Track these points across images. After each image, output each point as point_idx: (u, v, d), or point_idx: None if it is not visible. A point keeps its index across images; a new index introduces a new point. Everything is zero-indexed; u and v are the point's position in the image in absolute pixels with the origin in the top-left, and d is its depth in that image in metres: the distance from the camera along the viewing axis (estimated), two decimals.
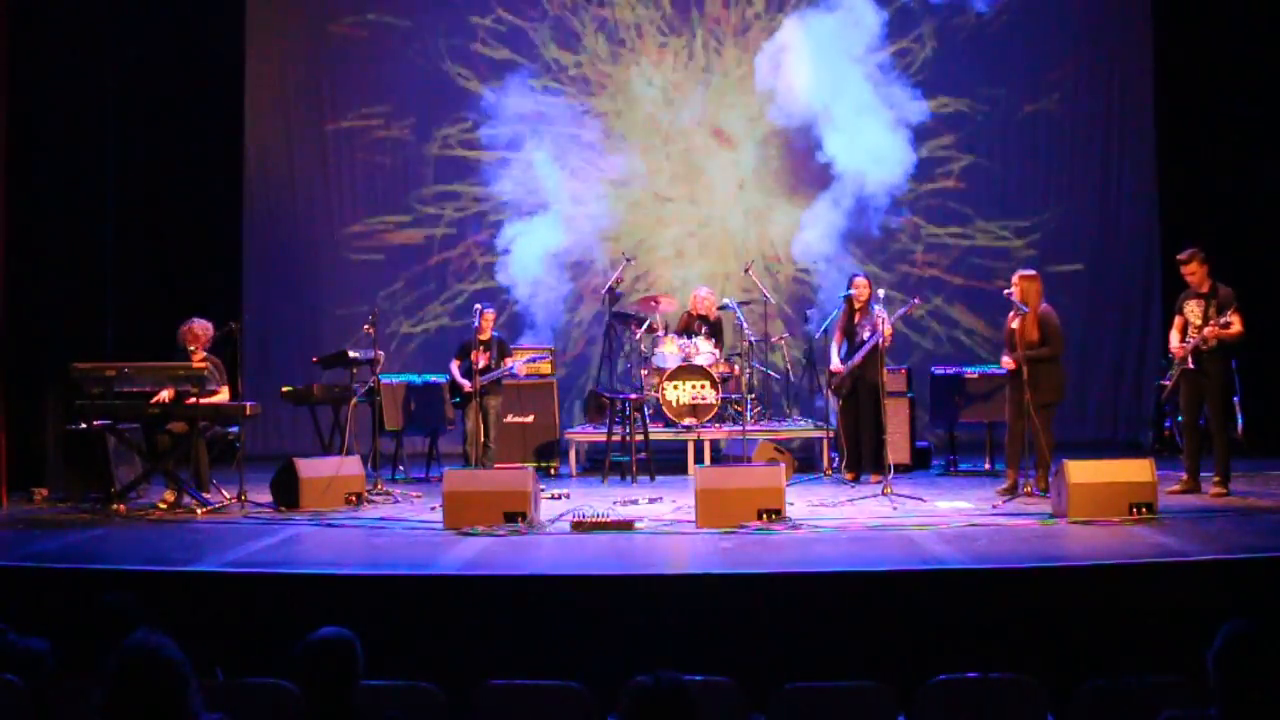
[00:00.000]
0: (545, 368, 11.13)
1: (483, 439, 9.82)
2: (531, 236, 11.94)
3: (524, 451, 10.72)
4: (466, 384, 9.91)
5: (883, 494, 8.53)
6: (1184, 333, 8.44)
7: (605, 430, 10.27)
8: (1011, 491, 8.49)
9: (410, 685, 4.14)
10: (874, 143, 11.09)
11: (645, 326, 11.09)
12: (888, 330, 9.27)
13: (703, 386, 10.58)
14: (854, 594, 5.91)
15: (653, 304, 11.30)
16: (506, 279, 12.16)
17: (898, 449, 9.89)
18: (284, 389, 10.13)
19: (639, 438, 10.21)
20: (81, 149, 10.58)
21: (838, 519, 7.81)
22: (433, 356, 11.98)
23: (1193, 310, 8.38)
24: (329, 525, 7.91)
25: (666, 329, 11.22)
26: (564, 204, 12.25)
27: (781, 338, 11.67)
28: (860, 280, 9.79)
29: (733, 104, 12.91)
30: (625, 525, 7.50)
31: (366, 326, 9.44)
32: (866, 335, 9.47)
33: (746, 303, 11.42)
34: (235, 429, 9.08)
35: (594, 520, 7.54)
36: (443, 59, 12.84)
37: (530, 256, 11.89)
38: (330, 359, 9.96)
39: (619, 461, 10.26)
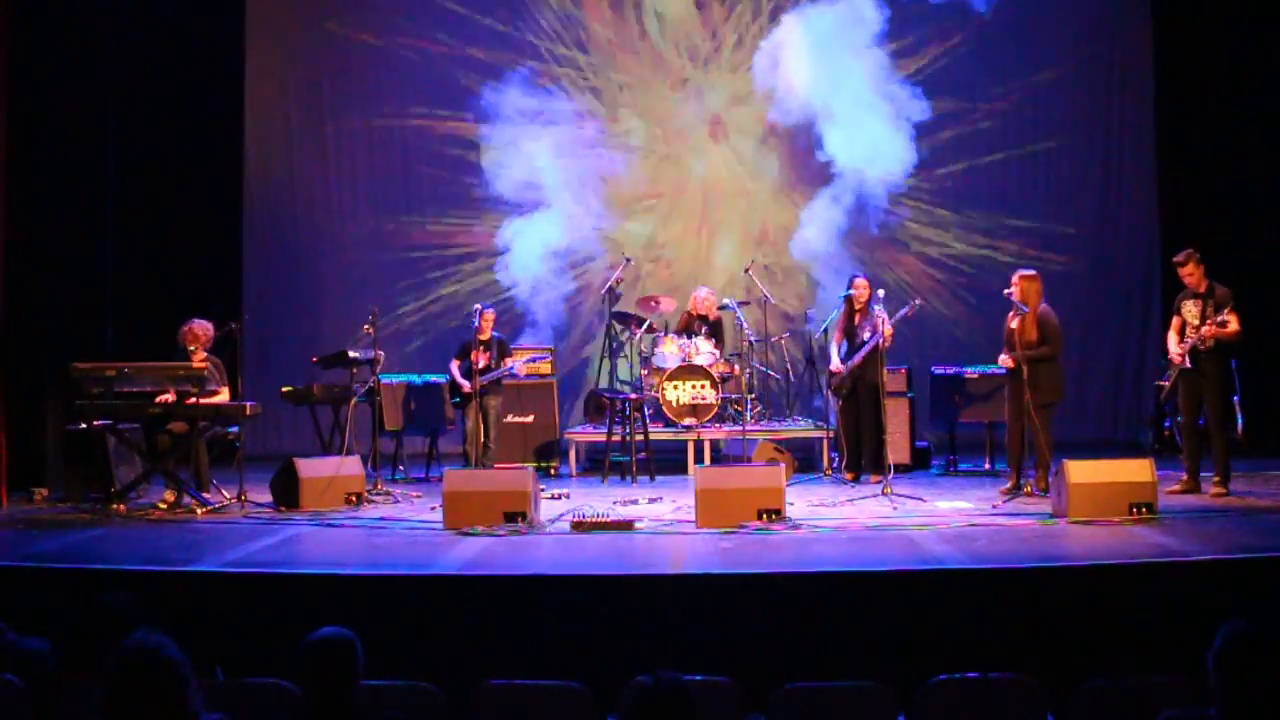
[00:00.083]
0: (545, 368, 11.13)
1: (483, 439, 9.82)
2: (532, 235, 11.94)
3: (524, 451, 10.72)
4: (466, 384, 9.91)
5: (883, 494, 8.53)
6: (1182, 334, 8.45)
7: (605, 430, 10.27)
8: (1014, 491, 8.49)
9: (410, 685, 4.14)
10: (874, 141, 11.09)
11: (645, 326, 11.09)
12: (888, 331, 9.27)
13: (703, 386, 10.58)
14: (854, 594, 5.91)
15: (653, 304, 11.30)
16: (507, 278, 12.17)
17: (898, 449, 9.89)
18: (284, 389, 10.14)
19: (639, 438, 10.20)
20: (81, 149, 10.58)
21: (838, 519, 7.80)
22: (433, 356, 11.99)
23: (1190, 311, 8.39)
24: (329, 525, 7.91)
25: (666, 329, 11.22)
26: (564, 202, 12.24)
27: (781, 338, 11.67)
28: (860, 280, 9.79)
29: (733, 101, 12.92)
30: (625, 525, 7.50)
31: (366, 326, 9.44)
32: (867, 336, 9.47)
33: (746, 303, 11.42)
34: (235, 429, 9.08)
35: (594, 520, 7.54)
36: (443, 58, 12.84)
37: (530, 255, 11.89)
38: (330, 359, 9.96)
39: (619, 461, 10.26)
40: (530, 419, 10.88)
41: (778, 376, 11.73)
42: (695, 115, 12.96)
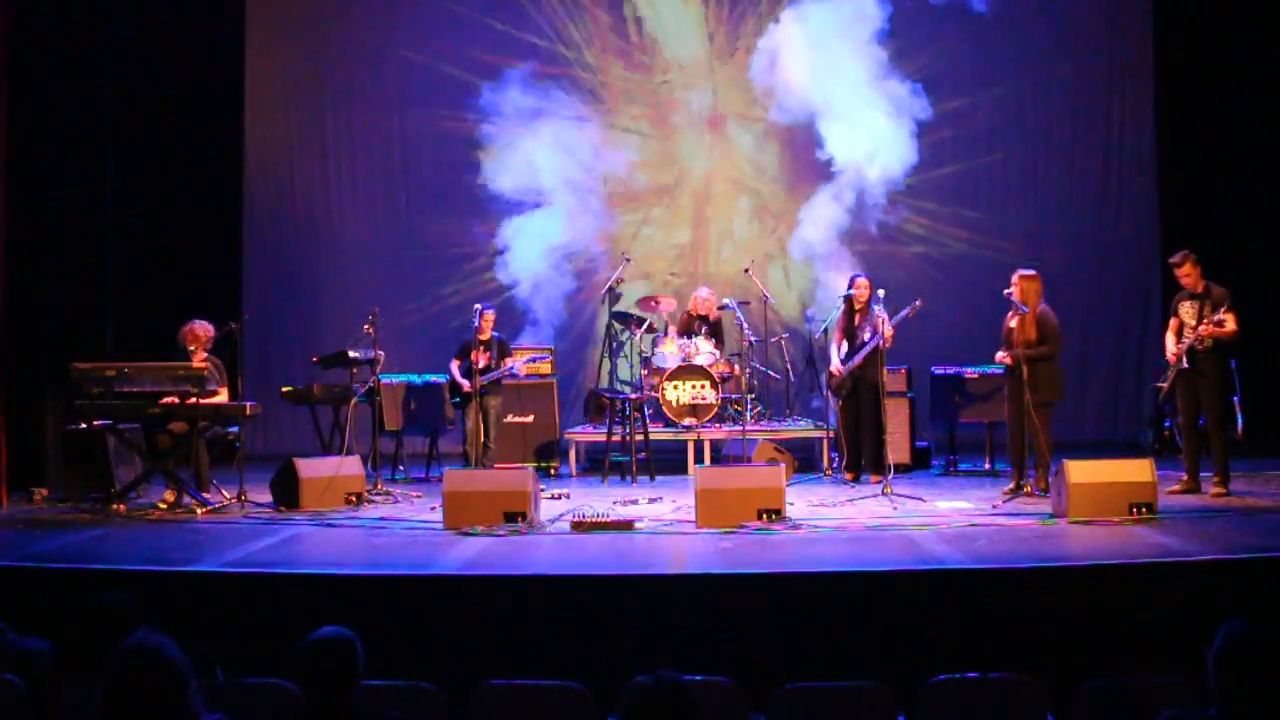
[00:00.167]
0: (545, 368, 11.13)
1: (483, 439, 9.82)
2: (532, 234, 11.94)
3: (524, 451, 10.72)
4: (466, 384, 9.91)
5: (883, 494, 8.53)
6: (1180, 334, 8.46)
7: (605, 430, 10.27)
8: (1015, 492, 8.50)
9: (410, 685, 4.13)
10: (874, 140, 11.10)
11: (645, 326, 11.09)
12: (888, 332, 9.27)
13: (703, 386, 10.58)
14: (854, 594, 5.91)
15: (653, 304, 11.30)
16: (507, 276, 12.17)
17: (898, 449, 9.89)
18: (284, 389, 10.14)
19: (639, 438, 10.20)
20: (81, 149, 10.58)
21: (838, 519, 7.80)
22: (433, 356, 11.99)
23: (1187, 311, 8.41)
24: (329, 525, 7.91)
25: (666, 329, 11.22)
26: (564, 201, 12.25)
27: (781, 338, 11.67)
28: (861, 280, 9.79)
29: (733, 100, 12.91)
30: (625, 525, 7.50)
31: (366, 326, 9.44)
32: (867, 336, 9.47)
33: (746, 302, 11.42)
34: (235, 429, 9.07)
35: (594, 520, 7.54)
36: (443, 56, 12.85)
37: (531, 254, 11.89)
38: (330, 359, 9.96)
39: (619, 461, 10.26)
40: (530, 419, 10.88)
41: (778, 376, 11.72)
42: (695, 114, 12.96)
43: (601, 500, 8.65)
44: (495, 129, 12.59)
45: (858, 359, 9.49)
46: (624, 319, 11.16)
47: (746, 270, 11.77)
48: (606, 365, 11.29)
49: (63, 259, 10.30)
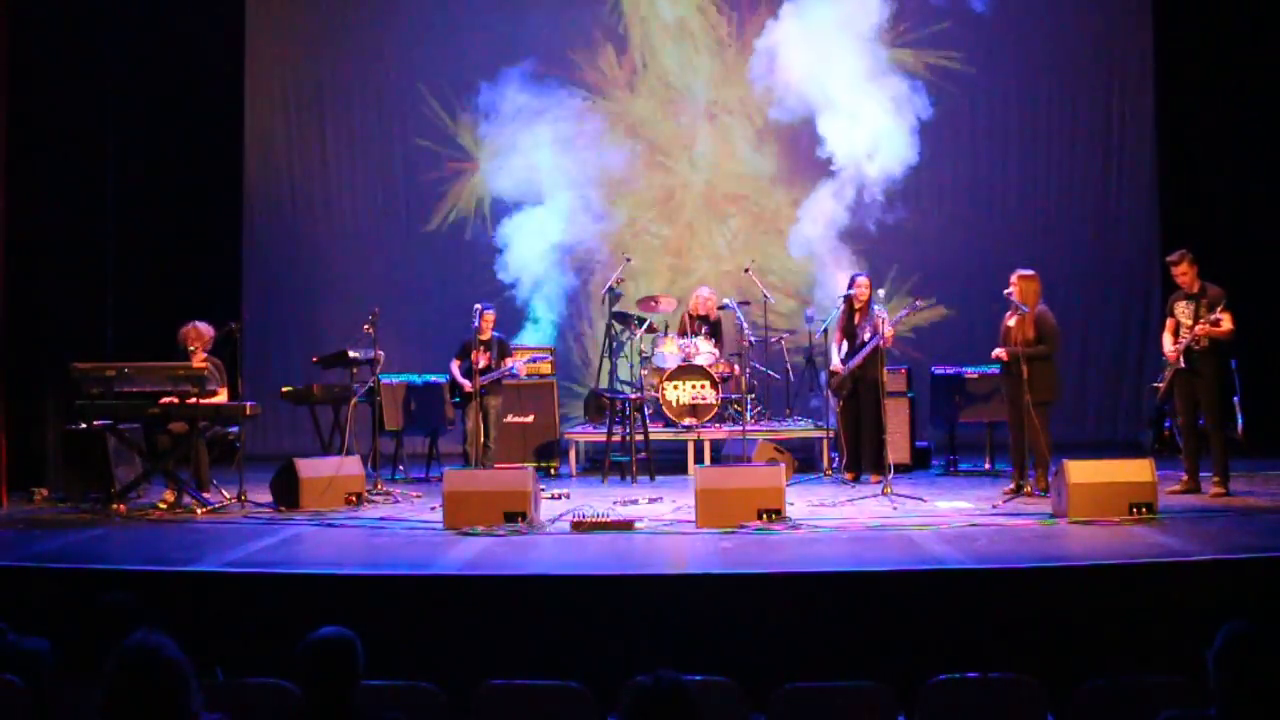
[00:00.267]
0: (545, 368, 11.13)
1: (483, 439, 9.82)
2: (531, 232, 11.94)
3: (524, 451, 10.72)
4: (467, 384, 9.91)
5: (883, 494, 8.53)
6: (1176, 334, 8.46)
7: (605, 430, 10.27)
8: (1016, 492, 8.50)
9: (410, 685, 4.14)
10: (873, 139, 11.09)
11: (645, 326, 11.09)
12: (889, 332, 9.28)
13: (703, 386, 10.58)
14: (854, 594, 5.91)
15: (653, 304, 11.30)
16: (507, 275, 12.17)
17: (898, 449, 9.89)
18: (284, 389, 10.14)
19: (639, 438, 10.20)
20: (81, 149, 10.57)
21: (838, 519, 7.80)
22: (433, 356, 11.99)
23: (1183, 311, 8.41)
24: (329, 525, 7.91)
25: (666, 329, 11.22)
26: (564, 199, 12.24)
27: (781, 338, 11.67)
28: (862, 280, 9.79)
29: (733, 96, 12.90)
30: (625, 525, 7.50)
31: (366, 326, 9.44)
32: (867, 336, 9.48)
33: (746, 302, 11.42)
34: (235, 429, 9.07)
35: (594, 520, 7.54)
36: (443, 55, 12.86)
37: (531, 252, 11.89)
38: (330, 359, 9.96)
39: (619, 461, 10.26)
40: (530, 419, 10.87)
41: (777, 376, 11.72)
42: (694, 111, 12.96)
43: (601, 500, 8.65)
44: (494, 128, 12.59)
45: (858, 359, 9.49)
46: (624, 319, 11.16)
47: (746, 270, 11.77)
48: (607, 365, 11.28)
49: (63, 259, 10.30)
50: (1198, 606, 5.45)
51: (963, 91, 12.68)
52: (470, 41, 12.83)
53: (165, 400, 8.62)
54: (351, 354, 9.81)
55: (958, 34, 12.59)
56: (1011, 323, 8.62)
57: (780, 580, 6.03)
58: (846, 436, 9.69)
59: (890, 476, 8.82)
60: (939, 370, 10.69)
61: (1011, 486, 8.61)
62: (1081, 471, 7.47)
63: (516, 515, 7.46)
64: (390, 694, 4.03)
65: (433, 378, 10.86)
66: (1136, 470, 7.56)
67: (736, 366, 11.06)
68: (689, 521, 7.58)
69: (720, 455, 10.72)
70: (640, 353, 11.11)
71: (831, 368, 9.84)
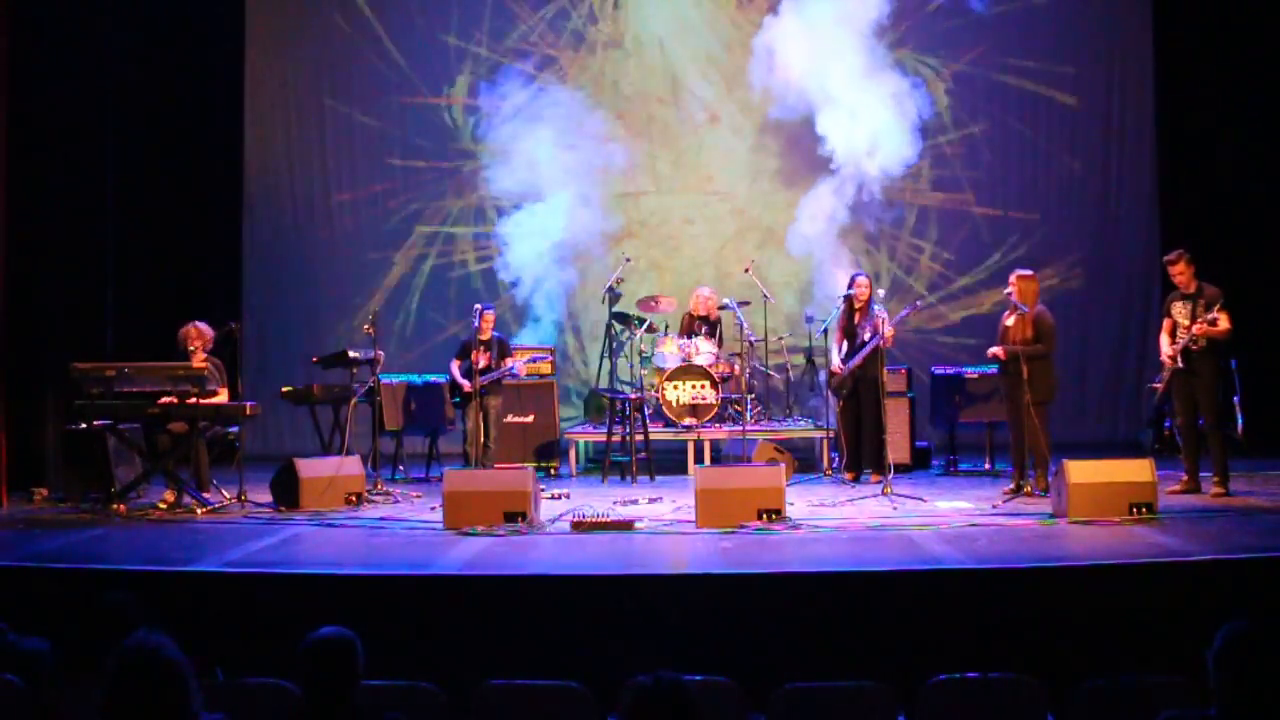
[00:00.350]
0: (545, 368, 11.13)
1: (483, 439, 9.82)
2: (532, 231, 11.94)
3: (524, 451, 10.72)
4: (467, 384, 9.90)
5: (883, 494, 8.53)
6: (1173, 335, 8.46)
7: (605, 430, 10.27)
8: (1016, 492, 8.51)
9: (410, 685, 4.14)
10: (873, 139, 11.09)
11: (645, 326, 11.09)
12: (889, 332, 9.27)
13: (703, 386, 10.59)
14: (854, 594, 5.91)
15: (652, 304, 11.30)
16: (507, 274, 12.18)
17: (898, 449, 9.89)
18: (284, 389, 10.13)
19: (639, 438, 10.20)
20: (81, 149, 10.57)
21: (838, 519, 7.80)
22: (433, 356, 11.99)
23: (1180, 311, 8.42)
24: (329, 525, 7.91)
25: (666, 329, 11.22)
26: (564, 198, 12.23)
27: (781, 338, 11.66)
28: (862, 280, 9.79)
29: (733, 94, 12.90)
30: (625, 525, 7.50)
31: (366, 326, 9.44)
32: (867, 336, 9.47)
33: (746, 302, 11.41)
34: (235, 429, 9.07)
35: (594, 520, 7.54)
36: (443, 54, 12.87)
37: (531, 251, 11.89)
38: (330, 359, 9.96)
39: (619, 461, 10.26)
40: (530, 419, 10.87)
41: (777, 376, 11.72)
42: (694, 109, 12.96)
43: (601, 500, 8.65)
44: (495, 127, 12.59)
45: (858, 359, 9.48)
46: (624, 319, 11.16)
47: (746, 270, 11.76)
48: (607, 365, 11.28)
49: (63, 259, 10.30)
50: (1198, 606, 5.45)
51: (962, 90, 12.68)
52: (470, 40, 12.83)
53: (165, 400, 8.62)
54: (351, 354, 9.82)
55: (957, 33, 12.59)
56: (1009, 322, 8.63)
57: (780, 580, 6.03)
58: (846, 436, 9.69)
59: (890, 476, 8.82)
60: (939, 370, 10.69)
61: (1011, 486, 8.61)
62: (1081, 471, 7.47)
63: (516, 515, 7.46)
64: (390, 694, 4.03)
65: (433, 378, 10.86)
66: (1136, 470, 7.56)
67: (736, 366, 11.06)
68: (689, 521, 7.58)
69: (720, 455, 10.72)
70: (640, 352, 11.11)
71: (832, 367, 9.84)
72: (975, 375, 10.35)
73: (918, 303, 9.73)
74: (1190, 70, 12.00)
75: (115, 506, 8.44)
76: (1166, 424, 10.75)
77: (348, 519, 8.14)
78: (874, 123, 11.08)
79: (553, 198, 12.16)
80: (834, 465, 10.18)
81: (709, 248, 13.05)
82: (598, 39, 12.95)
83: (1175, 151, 12.26)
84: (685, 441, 10.59)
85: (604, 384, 11.27)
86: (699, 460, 10.27)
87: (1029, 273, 8.77)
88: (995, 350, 8.68)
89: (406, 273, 12.94)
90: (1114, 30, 12.80)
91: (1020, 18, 12.65)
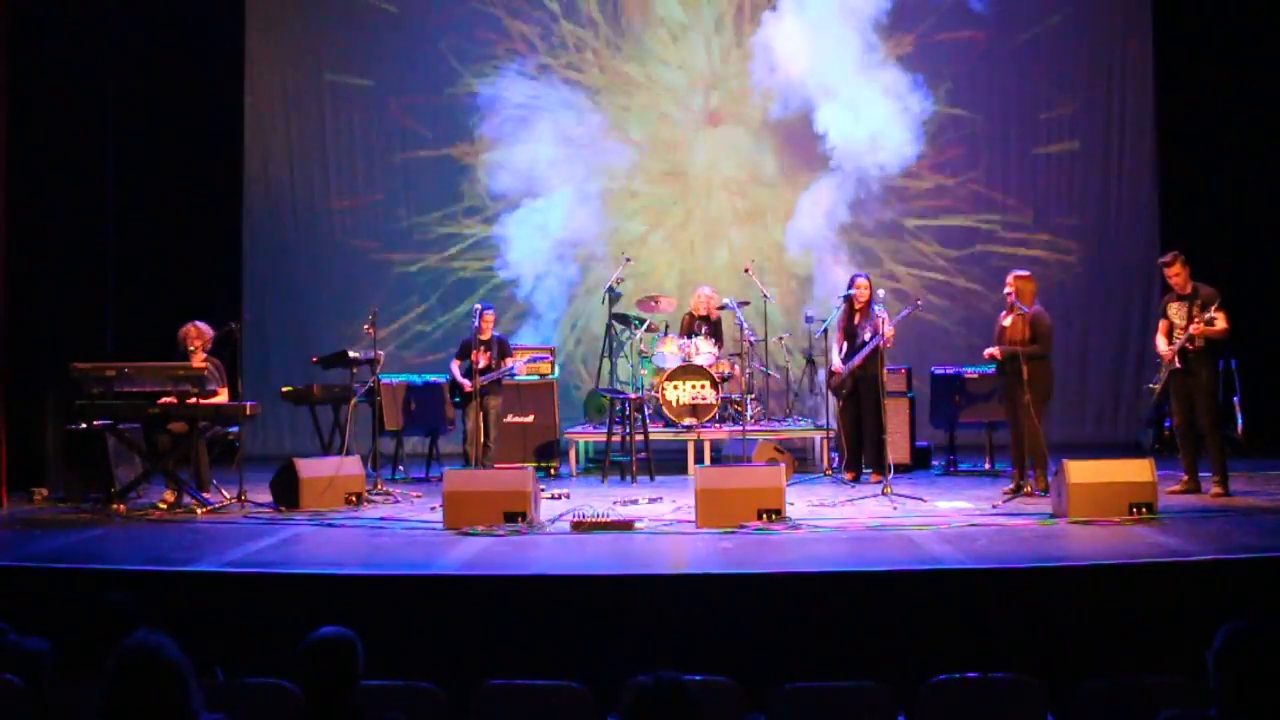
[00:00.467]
0: (545, 368, 11.13)
1: (483, 439, 9.82)
2: (532, 230, 11.94)
3: (524, 451, 10.71)
4: (467, 384, 9.90)
5: (883, 494, 8.53)
6: (1169, 336, 8.47)
7: (605, 430, 10.27)
8: (1016, 492, 8.51)
9: (410, 685, 4.14)
10: (873, 138, 11.11)
11: (645, 326, 11.09)
12: (889, 332, 9.27)
13: (703, 386, 10.59)
14: (854, 594, 5.91)
15: (652, 304, 11.30)
16: (508, 273, 12.18)
17: (898, 449, 9.89)
18: (284, 389, 10.14)
19: (639, 438, 10.20)
20: (81, 148, 10.57)
21: (838, 519, 7.80)
22: (433, 356, 12.00)
23: (1176, 312, 8.42)
24: (329, 525, 7.91)
25: (666, 329, 11.22)
26: (563, 198, 12.24)
27: (781, 338, 11.66)
28: (862, 281, 9.79)
29: (732, 91, 12.90)
30: (625, 525, 7.50)
31: (366, 326, 9.44)
32: (867, 336, 9.47)
33: (746, 302, 11.41)
34: (235, 429, 9.07)
35: (594, 520, 7.54)
36: (442, 53, 12.87)
37: (531, 250, 11.89)
38: (330, 359, 9.96)
39: (619, 461, 10.26)
40: (530, 419, 10.87)
41: (777, 376, 11.72)
42: (693, 107, 12.97)
43: (601, 500, 8.65)
44: (495, 126, 12.59)
45: (858, 359, 9.48)
46: (624, 319, 11.15)
47: (746, 270, 11.76)
48: (607, 365, 11.28)
49: (63, 259, 10.30)
50: (1198, 606, 5.45)
51: (962, 90, 12.68)
52: (470, 39, 12.84)
53: (165, 400, 8.62)
54: (351, 354, 9.82)
55: (957, 31, 12.58)
56: (1007, 323, 8.64)
57: (780, 580, 6.02)
58: (846, 436, 9.70)
59: (890, 476, 8.82)
60: (939, 370, 10.69)
61: (1011, 486, 8.61)
62: (1081, 471, 7.47)
63: (516, 515, 7.46)
64: (390, 694, 4.03)
65: (433, 378, 10.86)
66: (1136, 470, 7.56)
67: (736, 366, 11.06)
68: (689, 521, 7.58)
69: (720, 455, 10.72)
70: (640, 352, 11.11)
71: (832, 367, 9.84)
72: (975, 375, 10.35)
73: (917, 302, 9.71)
74: (1190, 71, 12.00)
75: (115, 506, 8.43)
76: (1166, 424, 10.77)
77: (348, 519, 8.14)
78: (874, 124, 11.09)
79: (553, 197, 12.17)
80: (834, 465, 10.18)
81: (709, 247, 13.04)
82: (599, 37, 12.95)
83: (1175, 151, 12.26)
84: (685, 441, 10.59)
85: (604, 384, 11.26)
86: (699, 460, 10.27)
87: (1026, 273, 8.78)
88: (992, 351, 8.68)
89: (407, 272, 12.93)
90: (1114, 30, 12.80)
91: (1019, 18, 12.65)
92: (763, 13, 12.04)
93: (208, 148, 12.40)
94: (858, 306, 9.71)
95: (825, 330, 10.25)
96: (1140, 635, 5.51)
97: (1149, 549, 6.50)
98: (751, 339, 11.07)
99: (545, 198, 12.20)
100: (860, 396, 9.55)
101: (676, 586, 6.06)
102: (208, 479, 8.85)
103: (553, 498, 8.78)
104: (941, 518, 7.71)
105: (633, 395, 10.36)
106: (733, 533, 7.23)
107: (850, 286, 9.81)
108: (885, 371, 9.31)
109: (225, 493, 8.80)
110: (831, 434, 10.18)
